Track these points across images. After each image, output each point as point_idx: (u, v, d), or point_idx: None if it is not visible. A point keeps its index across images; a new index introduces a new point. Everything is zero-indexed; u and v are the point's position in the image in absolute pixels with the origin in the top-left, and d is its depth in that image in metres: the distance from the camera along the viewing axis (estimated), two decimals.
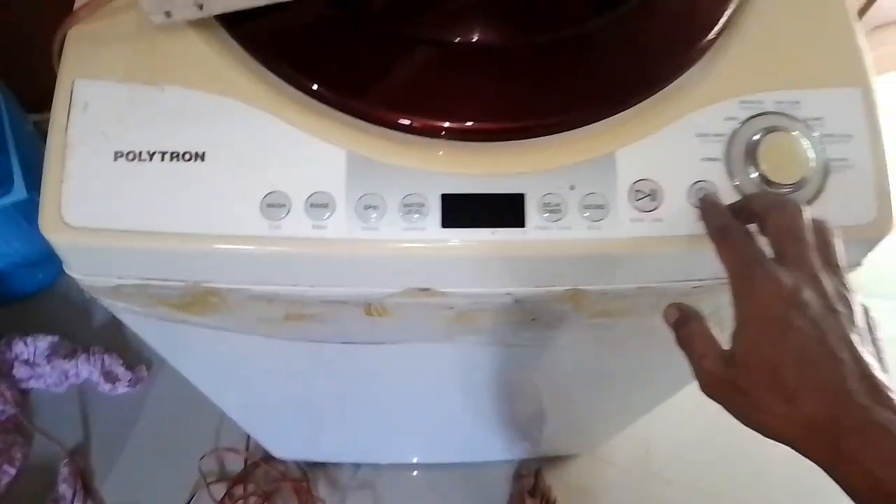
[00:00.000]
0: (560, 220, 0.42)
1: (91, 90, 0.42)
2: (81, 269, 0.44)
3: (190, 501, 1.06)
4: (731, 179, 0.44)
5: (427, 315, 0.49)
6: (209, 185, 0.41)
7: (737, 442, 1.16)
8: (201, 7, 0.41)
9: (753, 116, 0.44)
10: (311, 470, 1.11)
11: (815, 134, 0.44)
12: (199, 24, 0.43)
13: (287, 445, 1.06)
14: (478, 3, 0.47)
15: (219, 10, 0.42)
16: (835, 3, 0.48)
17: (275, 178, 0.41)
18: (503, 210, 0.42)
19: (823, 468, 0.33)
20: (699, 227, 0.43)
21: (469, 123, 0.42)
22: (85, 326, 1.18)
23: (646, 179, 0.43)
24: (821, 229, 0.38)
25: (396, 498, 1.12)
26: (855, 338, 0.34)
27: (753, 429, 0.36)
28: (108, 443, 1.11)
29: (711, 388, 0.37)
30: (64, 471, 1.04)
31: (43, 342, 1.11)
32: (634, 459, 1.19)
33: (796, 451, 0.34)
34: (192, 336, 0.55)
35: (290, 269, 0.43)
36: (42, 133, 1.00)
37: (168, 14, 0.41)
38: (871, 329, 0.37)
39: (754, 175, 0.43)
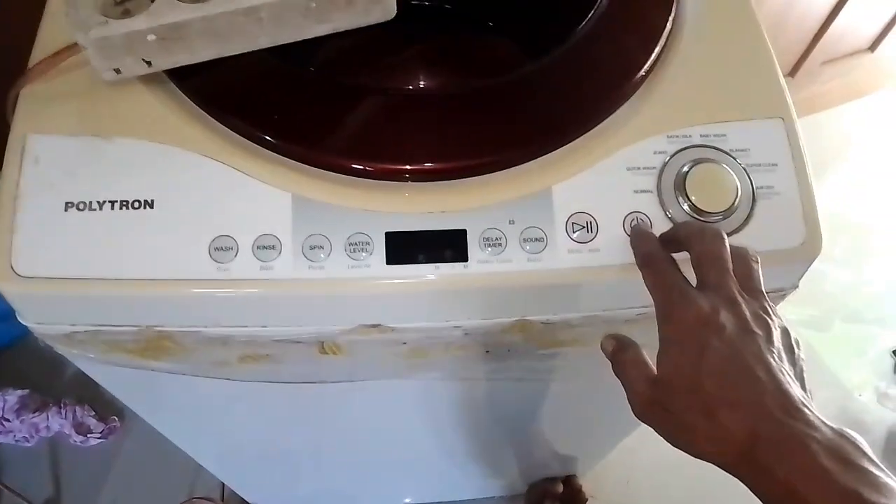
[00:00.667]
0: (501, 253, 0.44)
1: (42, 144, 0.43)
2: (34, 318, 0.44)
3: None
4: (663, 210, 0.46)
5: (381, 351, 0.50)
6: (158, 231, 0.42)
7: (719, 474, 1.16)
8: (150, 64, 0.43)
9: (681, 150, 0.47)
10: None
11: (742, 164, 0.47)
12: (148, 79, 0.45)
13: (262, 492, 1.05)
14: (419, 51, 0.49)
15: (167, 66, 0.43)
16: (756, 41, 0.51)
17: (222, 222, 0.42)
18: (446, 246, 0.44)
19: (744, 482, 0.35)
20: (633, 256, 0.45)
21: (410, 165, 0.44)
22: (56, 378, 1.17)
23: (582, 212, 0.45)
24: (742, 256, 0.40)
25: None
26: (772, 358, 0.36)
27: (682, 448, 0.37)
28: (81, 496, 1.09)
29: (642, 410, 0.39)
30: None
31: (12, 397, 1.10)
32: (616, 493, 1.19)
33: (720, 467, 0.35)
34: (154, 383, 0.55)
35: (240, 310, 0.44)
36: None
37: (118, 71, 0.43)
38: (793, 350, 0.38)
39: (685, 205, 0.45)
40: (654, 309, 0.45)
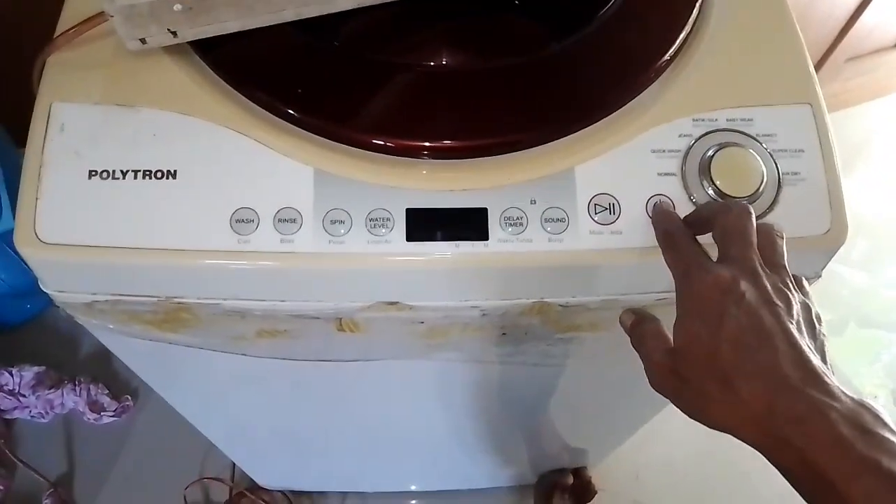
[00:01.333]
0: (522, 233, 0.44)
1: (67, 112, 0.43)
2: (55, 285, 0.45)
3: None
4: (687, 194, 0.45)
5: (398, 330, 0.50)
6: (180, 201, 0.42)
7: (728, 470, 1.16)
8: (175, 34, 0.43)
9: (707, 133, 0.46)
10: (297, 499, 1.10)
11: (768, 149, 0.46)
12: (173, 50, 0.45)
13: (272, 474, 1.05)
14: (443, 29, 0.49)
15: (191, 37, 0.43)
16: (785, 26, 0.51)
17: (244, 194, 0.43)
18: (467, 224, 0.44)
19: (762, 452, 0.34)
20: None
21: (432, 142, 0.44)
22: (72, 357, 1.19)
23: (604, 194, 0.45)
24: (767, 230, 0.40)
25: None
26: (791, 328, 0.35)
27: (699, 419, 0.37)
28: (93, 473, 1.10)
29: (659, 380, 0.39)
30: (47, 502, 1.03)
31: (28, 373, 1.11)
32: (624, 486, 1.18)
33: (736, 437, 0.35)
34: (170, 357, 0.56)
35: (259, 283, 0.44)
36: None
37: (143, 41, 0.43)
38: (814, 324, 0.38)
39: (709, 189, 0.45)
40: (674, 294, 0.44)
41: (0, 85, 0.99)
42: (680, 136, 0.46)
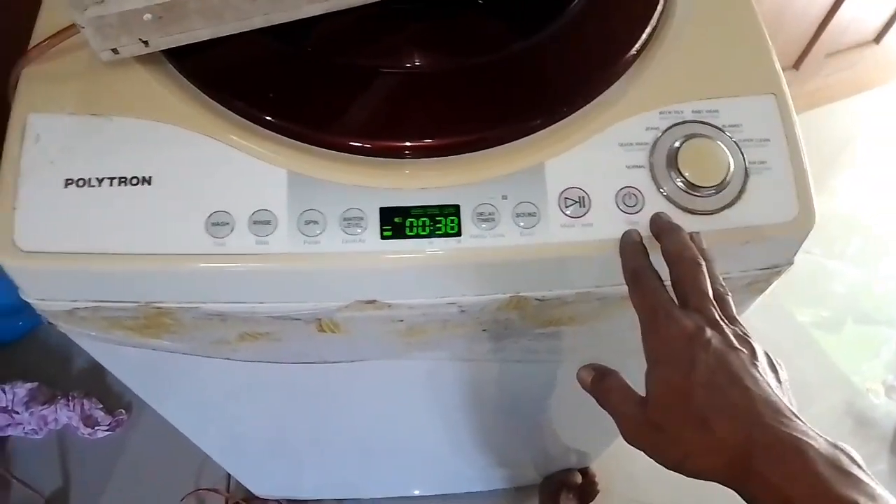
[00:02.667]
0: (494, 228, 0.44)
1: (42, 123, 0.44)
2: (36, 294, 0.45)
3: None
4: (655, 185, 0.46)
5: (379, 329, 0.51)
6: (156, 207, 0.43)
7: None
8: (147, 44, 0.44)
9: (673, 125, 0.47)
10: None
11: (734, 139, 0.47)
12: (145, 59, 0.46)
13: (268, 482, 1.05)
14: (411, 30, 0.50)
15: (163, 46, 0.44)
16: (748, 18, 0.52)
17: (219, 198, 0.43)
18: (439, 221, 0.44)
19: (740, 493, 0.34)
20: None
21: (403, 141, 0.45)
22: (65, 372, 1.19)
23: (574, 187, 0.45)
24: (717, 288, 0.41)
25: None
26: (757, 372, 0.37)
27: (676, 468, 0.37)
28: (88, 488, 1.10)
29: (633, 434, 0.38)
30: None
31: (21, 389, 1.11)
32: (622, 485, 1.18)
33: (717, 481, 0.35)
34: (157, 364, 0.56)
35: (236, 285, 0.45)
36: None
37: (115, 51, 0.44)
38: (776, 369, 0.39)
39: (678, 181, 0.46)
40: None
41: None
42: (647, 128, 0.47)
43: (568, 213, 0.45)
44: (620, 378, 0.41)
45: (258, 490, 1.08)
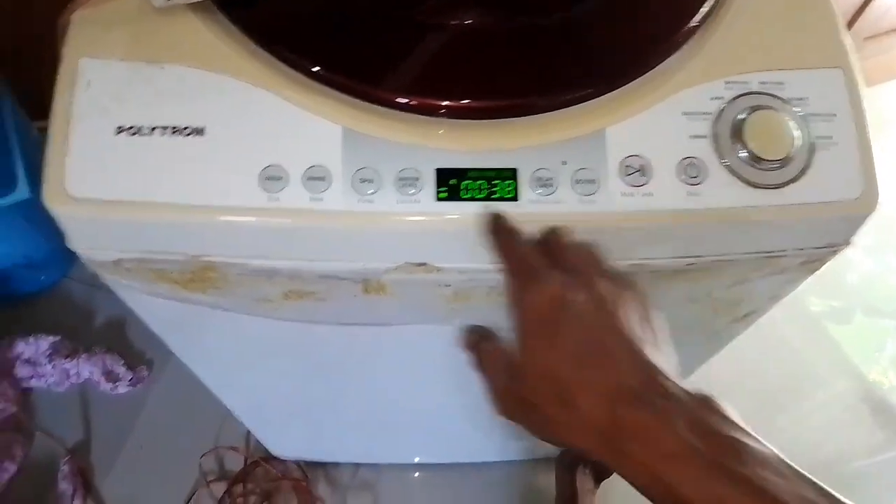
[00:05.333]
0: (552, 194, 0.43)
1: (94, 68, 0.43)
2: (84, 243, 0.45)
3: (190, 500, 1.06)
4: (718, 156, 0.45)
5: (425, 293, 0.50)
6: (208, 158, 0.42)
7: None
8: None
9: (739, 96, 0.45)
10: (310, 470, 1.11)
11: (800, 113, 0.46)
12: (197, 7, 0.44)
13: (287, 444, 1.06)
14: None
15: None
16: None
17: (273, 152, 0.42)
18: (496, 184, 0.43)
19: (614, 469, 0.33)
20: (690, 202, 0.44)
21: (462, 101, 0.43)
22: (87, 327, 1.19)
23: (635, 155, 0.44)
24: (583, 240, 0.40)
25: (396, 498, 1.12)
26: (627, 331, 0.35)
27: (549, 441, 0.36)
28: (109, 441, 1.11)
29: (503, 408, 0.37)
30: (64, 469, 1.04)
31: (44, 342, 1.12)
32: None
33: (588, 455, 0.34)
34: (195, 319, 0.56)
35: (287, 241, 0.44)
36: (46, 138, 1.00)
37: None
38: (648, 317, 0.37)
39: (742, 152, 0.44)
40: (709, 260, 0.44)
41: (15, 58, 0.99)
42: (712, 98, 0.45)
43: (628, 181, 0.44)
44: (497, 344, 0.39)
45: (277, 450, 1.08)
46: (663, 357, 0.35)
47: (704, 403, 0.33)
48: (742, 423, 0.32)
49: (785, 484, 0.29)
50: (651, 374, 0.33)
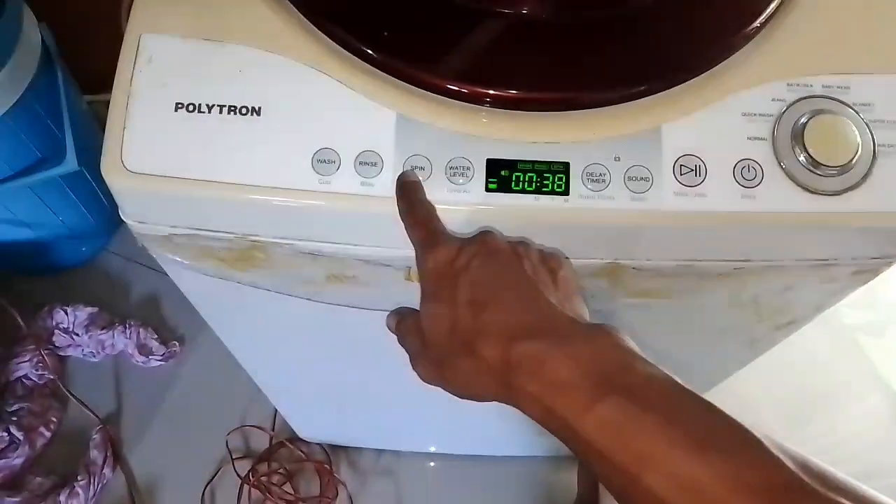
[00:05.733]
0: (604, 189, 0.43)
1: (155, 44, 0.43)
2: (137, 216, 0.45)
3: (215, 475, 1.08)
4: (777, 160, 0.44)
5: None
6: (264, 139, 0.42)
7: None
8: None
9: (801, 99, 0.44)
10: (334, 453, 1.12)
11: (864, 119, 0.44)
12: None
13: (313, 426, 1.07)
14: None
15: None
16: None
17: (326, 135, 0.42)
18: (547, 177, 0.43)
19: (516, 406, 0.34)
20: (744, 205, 0.43)
21: (517, 92, 0.43)
22: (123, 300, 1.21)
23: (690, 155, 0.43)
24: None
25: (416, 486, 1.12)
26: (522, 272, 0.36)
27: (467, 398, 0.37)
28: (139, 413, 1.13)
29: (422, 373, 0.39)
30: (96, 437, 1.07)
31: (82, 313, 1.14)
32: None
33: (501, 401, 0.35)
34: (237, 297, 0.56)
35: (335, 225, 0.44)
36: (95, 113, 1.03)
37: None
38: (549, 263, 0.39)
39: (802, 156, 0.43)
40: (757, 265, 0.44)
41: (68, 32, 1.01)
42: (773, 100, 0.44)
43: (682, 181, 0.43)
44: (416, 319, 0.40)
45: (302, 432, 1.10)
46: (566, 296, 0.36)
47: (595, 332, 0.34)
48: (632, 346, 0.33)
49: (668, 403, 0.30)
50: (543, 310, 0.35)
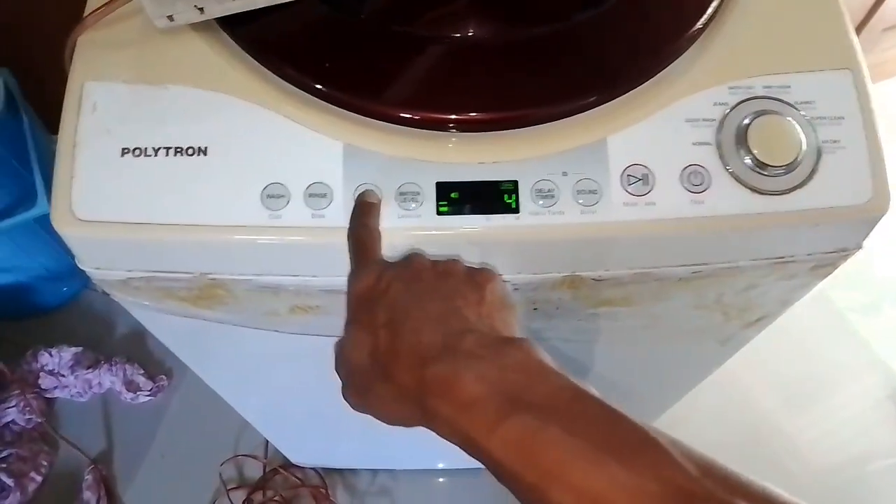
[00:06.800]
0: (553, 205, 0.43)
1: (99, 91, 0.44)
2: (92, 263, 0.45)
3: None
4: (722, 163, 0.44)
5: None
6: (211, 177, 0.42)
7: (755, 461, 1.15)
8: (202, 11, 0.43)
9: (743, 101, 0.45)
10: (329, 476, 1.11)
11: (807, 116, 0.45)
12: (200, 27, 0.45)
13: (305, 451, 1.07)
14: (466, 1, 0.48)
15: (218, 13, 0.43)
16: None
17: (274, 170, 0.43)
18: (497, 197, 0.43)
19: (432, 430, 0.33)
20: (693, 211, 0.43)
21: (461, 114, 0.43)
22: (108, 338, 1.21)
23: (637, 164, 0.44)
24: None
25: None
26: (441, 294, 0.36)
27: (389, 423, 0.36)
28: (131, 450, 1.12)
29: (351, 401, 0.38)
30: (88, 478, 1.06)
31: (67, 353, 1.14)
32: None
33: (418, 425, 0.34)
34: (206, 334, 0.56)
35: (291, 257, 0.44)
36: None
37: (171, 18, 0.43)
38: (475, 281, 0.38)
39: (747, 158, 0.44)
40: (715, 268, 0.44)
41: (33, 73, 1.01)
42: (715, 104, 0.45)
43: (630, 191, 0.43)
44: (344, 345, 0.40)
45: (295, 458, 1.09)
46: (494, 317, 0.36)
47: (505, 346, 0.33)
48: (547, 361, 0.33)
49: (568, 411, 0.30)
50: (456, 329, 0.34)
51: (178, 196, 0.42)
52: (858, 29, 1.44)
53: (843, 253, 0.49)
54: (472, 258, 0.45)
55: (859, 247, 0.49)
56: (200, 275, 0.45)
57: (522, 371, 0.32)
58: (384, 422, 0.37)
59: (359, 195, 0.42)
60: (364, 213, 0.42)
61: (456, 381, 0.31)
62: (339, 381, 0.39)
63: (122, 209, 0.42)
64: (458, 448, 0.32)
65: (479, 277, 0.39)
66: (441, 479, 1.15)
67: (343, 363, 0.38)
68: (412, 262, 0.38)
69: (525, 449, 0.29)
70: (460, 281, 0.38)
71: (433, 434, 0.33)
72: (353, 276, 0.39)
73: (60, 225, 0.42)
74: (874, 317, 1.39)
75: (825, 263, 0.50)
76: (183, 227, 0.42)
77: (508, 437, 0.29)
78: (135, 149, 0.42)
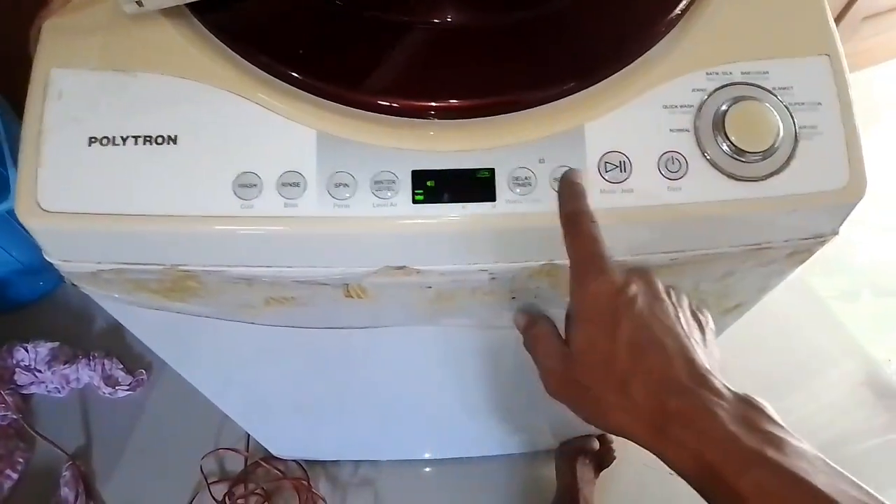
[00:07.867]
0: (530, 193, 0.43)
1: (65, 79, 0.42)
2: (60, 255, 0.44)
3: (191, 502, 1.07)
4: (700, 150, 0.44)
5: (407, 295, 0.50)
6: (181, 167, 0.41)
7: None
8: None
9: (721, 87, 0.45)
10: (311, 468, 1.11)
11: (784, 102, 0.45)
12: (170, 13, 0.44)
13: (286, 444, 1.06)
14: None
15: None
16: None
17: (246, 158, 0.42)
18: (473, 185, 0.43)
19: (659, 456, 0.35)
20: (671, 198, 0.43)
21: (437, 102, 0.43)
22: (85, 332, 1.19)
23: (615, 151, 0.44)
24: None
25: (397, 494, 1.12)
26: (680, 328, 0.37)
27: (598, 425, 0.37)
28: (110, 446, 1.11)
29: (555, 388, 0.39)
30: (66, 474, 1.05)
31: (43, 348, 1.12)
32: (633, 449, 1.18)
33: (636, 442, 0.36)
34: (180, 327, 0.55)
35: (264, 248, 0.43)
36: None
37: (139, 3, 0.42)
38: (700, 321, 0.40)
39: (724, 145, 0.44)
40: (694, 254, 0.44)
41: (4, 63, 0.98)
42: (693, 90, 0.45)
43: (608, 177, 0.43)
44: (550, 326, 0.41)
45: (277, 450, 1.09)
46: (710, 357, 0.37)
47: (746, 401, 0.35)
48: (781, 421, 0.34)
49: (824, 477, 0.31)
50: (699, 369, 0.35)
51: (148, 186, 0.41)
52: (839, 17, 1.45)
53: (820, 239, 0.49)
54: (448, 247, 0.45)
55: (835, 233, 0.49)
56: (172, 266, 0.44)
57: (768, 425, 0.33)
58: (584, 418, 0.38)
59: (563, 175, 0.42)
60: (578, 195, 0.41)
61: (706, 416, 0.33)
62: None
63: (90, 200, 0.41)
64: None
65: (701, 317, 0.40)
66: (427, 469, 1.15)
67: (557, 351, 0.39)
68: (651, 281, 0.38)
69: (778, 498, 0.31)
70: (689, 317, 0.39)
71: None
72: (591, 274, 0.38)
73: (25, 216, 0.41)
74: (853, 303, 1.41)
75: (802, 249, 0.50)
76: (152, 217, 0.41)
77: (761, 481, 0.31)
78: (102, 138, 0.41)
